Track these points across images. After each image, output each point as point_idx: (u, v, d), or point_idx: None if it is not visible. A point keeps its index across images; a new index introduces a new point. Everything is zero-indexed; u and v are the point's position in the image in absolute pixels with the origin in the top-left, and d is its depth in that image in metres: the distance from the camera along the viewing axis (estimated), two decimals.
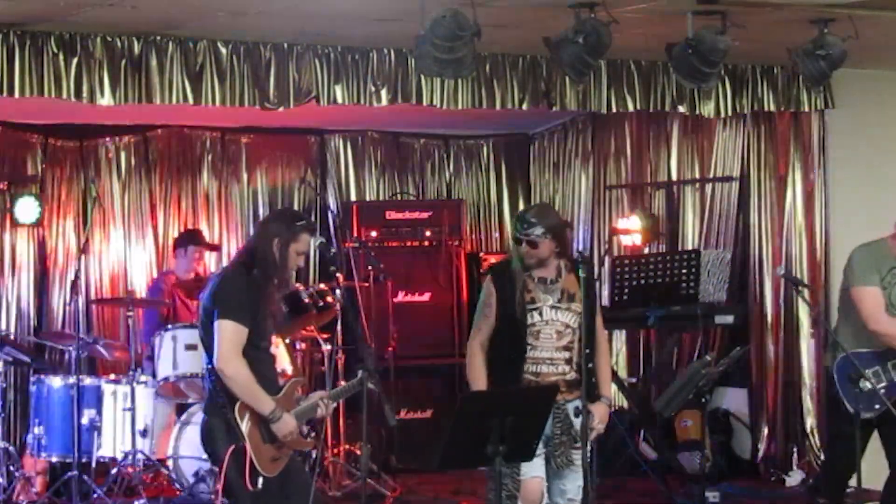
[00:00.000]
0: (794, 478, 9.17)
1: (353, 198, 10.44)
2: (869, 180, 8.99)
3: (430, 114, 8.65)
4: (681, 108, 8.69)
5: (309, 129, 10.38)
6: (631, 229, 10.00)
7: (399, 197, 10.61)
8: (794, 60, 7.41)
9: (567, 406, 5.84)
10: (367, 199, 10.47)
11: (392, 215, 10.03)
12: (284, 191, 10.31)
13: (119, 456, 8.13)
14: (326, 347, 8.78)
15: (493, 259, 9.75)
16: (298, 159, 10.41)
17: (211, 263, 9.80)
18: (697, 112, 8.72)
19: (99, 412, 8.19)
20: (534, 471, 5.72)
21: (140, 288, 9.54)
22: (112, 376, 8.50)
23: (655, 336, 9.92)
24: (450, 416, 5.08)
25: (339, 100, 7.81)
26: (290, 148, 10.40)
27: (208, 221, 10.03)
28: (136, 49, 7.32)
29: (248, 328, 5.38)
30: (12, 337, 8.88)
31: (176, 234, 9.60)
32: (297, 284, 8.39)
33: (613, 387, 9.88)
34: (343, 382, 8.88)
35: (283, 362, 7.72)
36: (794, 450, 9.26)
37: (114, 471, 8.13)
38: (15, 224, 9.25)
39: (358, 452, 8.73)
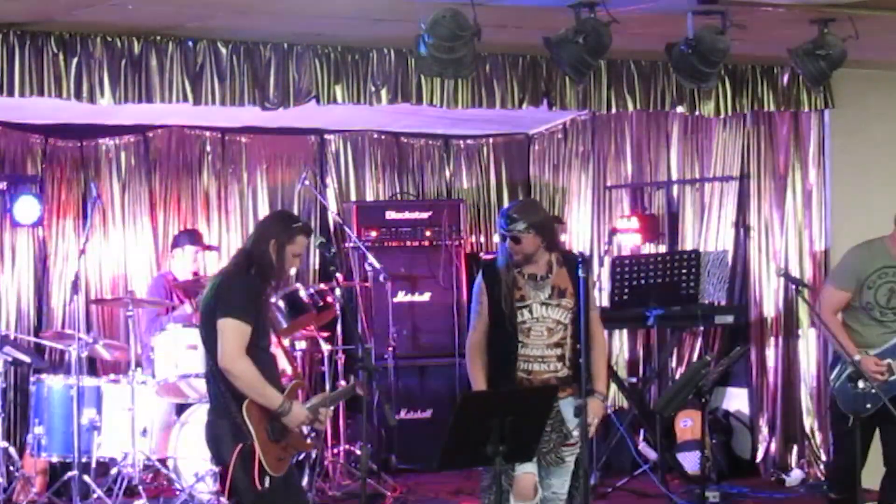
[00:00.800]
0: (794, 478, 9.17)
1: (353, 198, 10.43)
2: (869, 180, 8.99)
3: (430, 114, 8.65)
4: (681, 108, 8.69)
5: (309, 129, 10.38)
6: (631, 229, 10.01)
7: (399, 197, 10.61)
8: (794, 60, 7.41)
9: (559, 404, 5.82)
10: (367, 199, 10.46)
11: (392, 215, 10.02)
12: (284, 191, 10.31)
13: (119, 456, 8.13)
14: (326, 347, 8.79)
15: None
16: (298, 159, 10.40)
17: (211, 264, 9.80)
18: (697, 112, 8.73)
19: (99, 412, 8.19)
20: (526, 466, 5.71)
21: (140, 288, 9.53)
22: (112, 376, 8.51)
23: (655, 336, 9.92)
24: (450, 416, 5.08)
25: (339, 100, 7.81)
26: (290, 148, 10.40)
27: (208, 221, 10.03)
28: (136, 49, 7.32)
29: (251, 326, 5.40)
30: (12, 337, 8.87)
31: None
32: (297, 284, 8.40)
33: (613, 387, 9.90)
34: (343, 383, 8.91)
35: (282, 363, 7.73)
36: (794, 450, 9.26)
37: (114, 471, 8.14)
38: (15, 224, 9.25)
39: (358, 452, 8.74)
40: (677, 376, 9.41)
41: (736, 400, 9.73)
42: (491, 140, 11.10)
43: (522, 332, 5.88)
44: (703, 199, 9.85)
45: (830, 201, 9.06)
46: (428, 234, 10.00)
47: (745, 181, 9.54)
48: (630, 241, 10.07)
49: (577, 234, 10.62)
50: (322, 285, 8.58)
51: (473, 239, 10.84)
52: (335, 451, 8.91)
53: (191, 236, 9.26)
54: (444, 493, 8.85)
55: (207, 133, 10.11)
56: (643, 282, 8.98)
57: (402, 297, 9.89)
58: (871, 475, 7.07)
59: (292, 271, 6.08)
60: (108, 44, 7.25)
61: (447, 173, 11.00)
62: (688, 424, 9.25)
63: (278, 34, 7.56)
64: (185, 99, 7.45)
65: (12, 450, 8.32)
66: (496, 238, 10.93)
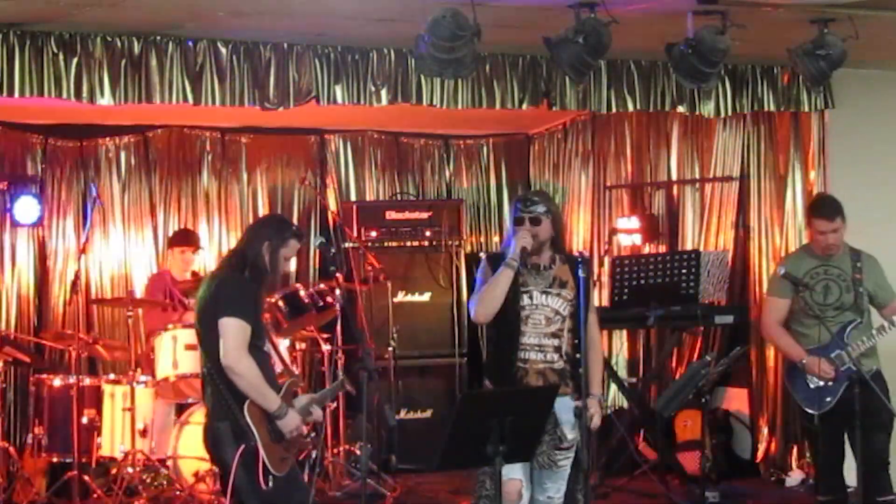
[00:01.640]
0: (794, 478, 9.17)
1: (353, 198, 10.43)
2: (869, 180, 8.99)
3: (430, 114, 8.65)
4: (681, 108, 8.69)
5: (309, 129, 10.38)
6: (631, 229, 10.01)
7: (399, 197, 10.61)
8: (794, 60, 7.42)
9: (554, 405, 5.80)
10: (367, 199, 10.46)
11: (392, 215, 10.02)
12: (284, 191, 10.31)
13: (119, 456, 8.14)
14: (326, 347, 8.79)
15: None
16: (298, 159, 10.40)
17: (211, 264, 9.81)
18: (697, 112, 8.72)
19: (99, 412, 8.20)
20: (512, 472, 5.69)
21: (140, 288, 9.53)
22: (112, 376, 8.51)
23: (655, 336, 9.92)
24: (450, 416, 5.08)
25: (339, 100, 7.81)
26: (290, 148, 10.40)
27: (208, 221, 10.03)
28: (136, 49, 7.32)
29: (251, 326, 5.41)
30: (12, 337, 8.88)
31: None
32: (297, 284, 8.40)
33: (613, 387, 9.90)
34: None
35: (278, 363, 7.73)
36: (794, 450, 9.26)
37: (114, 471, 8.14)
38: (15, 224, 9.25)
39: (358, 452, 8.73)
40: (677, 376, 9.41)
41: (736, 400, 9.73)
42: (491, 140, 11.10)
43: (521, 320, 5.88)
44: (703, 199, 9.85)
45: None
46: (428, 234, 10.00)
47: (745, 181, 9.54)
48: (630, 241, 10.07)
49: (577, 234, 10.62)
50: (322, 285, 8.58)
51: (473, 239, 10.83)
52: (335, 451, 8.91)
53: (183, 238, 9.25)
54: (444, 493, 8.84)
55: (207, 133, 10.11)
56: (643, 282, 8.98)
57: (402, 297, 9.89)
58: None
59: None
60: (108, 44, 7.25)
61: (447, 173, 11.00)
62: (688, 424, 9.25)
63: (278, 34, 7.56)
64: (185, 99, 7.45)
65: (12, 450, 8.32)
66: (496, 238, 10.97)
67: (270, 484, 5.36)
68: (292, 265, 9.64)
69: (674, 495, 8.57)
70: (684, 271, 9.03)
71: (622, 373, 10.15)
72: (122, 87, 7.28)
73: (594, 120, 10.47)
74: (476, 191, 11.05)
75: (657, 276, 9.00)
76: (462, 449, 5.09)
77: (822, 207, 7.19)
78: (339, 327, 8.93)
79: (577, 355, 5.87)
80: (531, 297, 5.91)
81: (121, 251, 9.77)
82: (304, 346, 8.87)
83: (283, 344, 8.24)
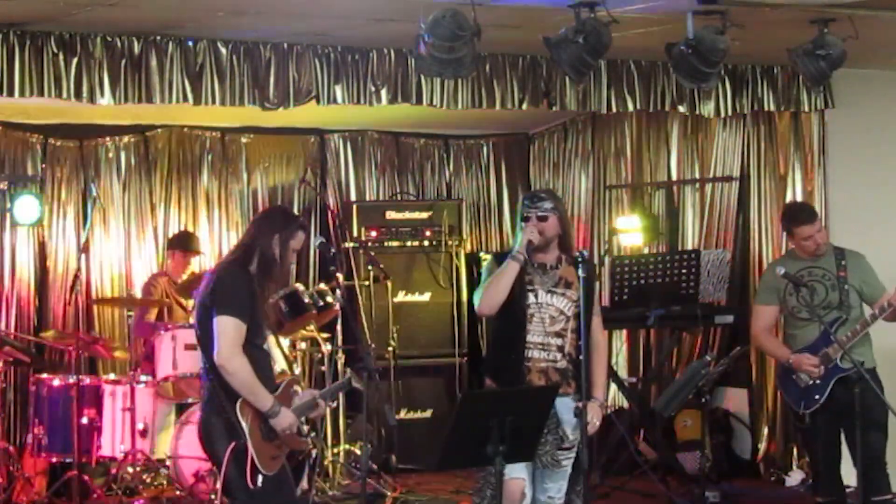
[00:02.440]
0: (794, 478, 9.17)
1: (353, 198, 10.43)
2: (869, 180, 8.99)
3: (430, 114, 8.65)
4: (681, 108, 8.69)
5: (309, 129, 10.38)
6: (631, 229, 10.01)
7: (399, 197, 10.60)
8: (794, 60, 7.42)
9: (556, 405, 5.78)
10: (367, 199, 10.46)
11: (392, 215, 10.02)
12: (284, 191, 10.31)
13: (119, 456, 8.14)
14: (326, 347, 8.79)
15: None
16: (298, 159, 10.40)
17: (211, 262, 9.81)
18: (697, 112, 8.73)
19: (99, 412, 8.19)
20: (515, 472, 5.70)
21: (138, 290, 9.53)
22: (112, 376, 8.51)
23: (655, 336, 9.92)
24: (450, 416, 5.08)
25: (339, 100, 7.81)
26: (290, 148, 10.40)
27: (208, 221, 10.03)
28: (136, 49, 7.32)
29: (246, 324, 5.40)
30: (12, 337, 8.88)
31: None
32: (297, 284, 8.40)
33: (613, 387, 9.90)
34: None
35: (279, 361, 7.73)
36: (794, 450, 9.26)
37: (114, 471, 8.13)
38: (15, 224, 9.24)
39: (358, 452, 8.74)
40: (677, 376, 9.40)
41: (736, 400, 9.73)
42: (491, 140, 11.10)
43: (526, 318, 5.88)
44: (703, 199, 9.85)
45: (830, 201, 9.06)
46: (428, 234, 10.00)
47: (745, 181, 9.54)
48: (630, 241, 10.07)
49: (578, 235, 10.62)
50: (322, 285, 8.58)
51: (473, 239, 10.83)
52: (335, 451, 8.91)
53: (181, 241, 9.23)
54: (444, 493, 8.85)
55: (207, 133, 10.11)
56: (643, 282, 8.98)
57: (402, 297, 9.89)
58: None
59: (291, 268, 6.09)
60: (108, 44, 7.25)
61: (447, 173, 11.00)
62: (688, 424, 9.25)
63: (278, 34, 7.56)
64: (185, 99, 7.45)
65: (12, 450, 8.32)
66: (496, 238, 10.97)
67: (259, 483, 5.35)
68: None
69: (674, 495, 8.57)
70: (684, 271, 9.03)
71: (622, 373, 10.15)
72: (122, 87, 7.28)
73: (594, 120, 10.47)
74: (476, 191, 11.04)
75: (657, 276, 9.00)
76: (462, 449, 5.09)
77: (801, 214, 7.26)
78: (339, 327, 8.93)
79: (580, 356, 5.87)
80: (536, 296, 5.92)
81: (121, 251, 9.76)
82: (304, 346, 8.87)
83: (284, 344, 8.24)
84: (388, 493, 8.67)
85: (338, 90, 7.79)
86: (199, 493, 7.91)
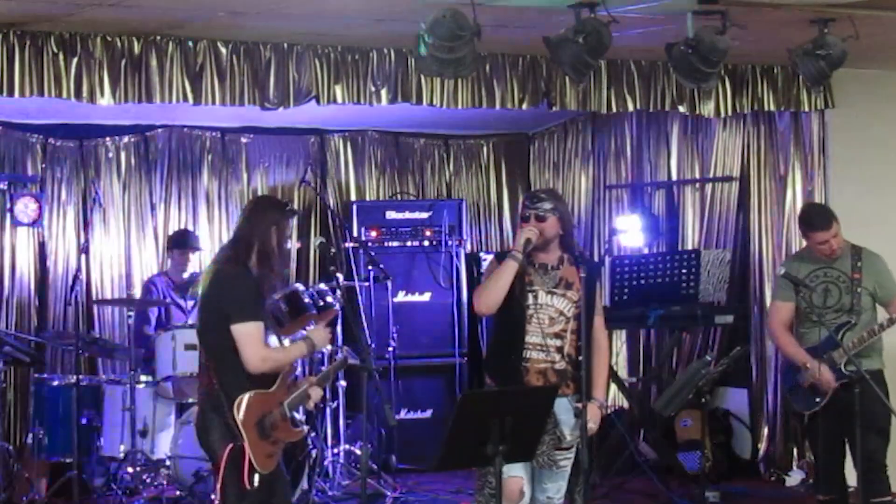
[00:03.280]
0: (794, 478, 9.17)
1: (353, 198, 10.43)
2: (869, 180, 8.99)
3: (430, 114, 8.65)
4: (681, 108, 8.69)
5: (309, 129, 10.38)
6: (631, 229, 10.01)
7: (399, 197, 10.61)
8: (794, 60, 7.41)
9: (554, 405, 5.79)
10: (367, 199, 10.46)
11: (392, 215, 10.03)
12: (284, 191, 10.31)
13: (119, 456, 8.13)
14: (327, 347, 8.78)
15: None
16: (298, 159, 10.40)
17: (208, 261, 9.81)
18: (697, 112, 8.72)
19: (99, 412, 8.19)
20: (513, 470, 5.68)
21: (139, 289, 9.54)
22: (112, 376, 8.50)
23: (655, 336, 9.92)
24: (450, 416, 5.08)
25: (339, 100, 7.81)
26: (290, 148, 10.40)
27: (208, 221, 10.03)
28: (136, 49, 7.31)
29: (262, 321, 5.46)
30: (12, 337, 8.88)
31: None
32: (297, 284, 8.39)
33: (613, 387, 9.89)
34: (343, 382, 8.92)
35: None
36: (794, 450, 9.26)
37: (114, 471, 8.13)
38: (15, 224, 9.25)
39: (358, 452, 8.74)
40: (677, 376, 9.40)
41: (736, 400, 9.73)
42: (491, 140, 11.10)
43: (525, 319, 5.87)
44: (703, 199, 9.85)
45: (830, 201, 9.05)
46: (428, 234, 10.00)
47: (745, 181, 9.54)
48: (630, 241, 10.07)
49: (578, 235, 10.62)
50: (322, 285, 8.57)
51: (473, 239, 10.83)
52: (335, 451, 8.91)
53: (182, 240, 9.23)
54: (444, 493, 8.85)
55: (207, 133, 10.11)
56: (643, 282, 8.98)
57: (402, 297, 9.89)
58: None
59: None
60: (108, 44, 7.25)
61: (447, 173, 11.00)
62: (688, 424, 9.25)
63: (278, 34, 7.56)
64: (185, 99, 7.44)
65: (12, 450, 8.32)
66: (496, 238, 10.97)
67: (256, 482, 5.35)
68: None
69: (674, 495, 8.57)
70: (684, 271, 9.03)
71: (622, 373, 10.15)
72: (122, 87, 7.27)
73: (594, 120, 10.47)
74: (476, 191, 11.05)
75: (657, 276, 9.00)
76: (462, 449, 5.08)
77: (817, 220, 7.12)
78: (339, 327, 8.93)
79: (580, 357, 5.86)
80: (536, 297, 5.90)
81: (121, 251, 9.76)
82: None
83: (284, 343, 8.23)
84: (388, 493, 8.67)
85: (338, 90, 7.78)
86: (199, 493, 7.90)
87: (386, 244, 9.94)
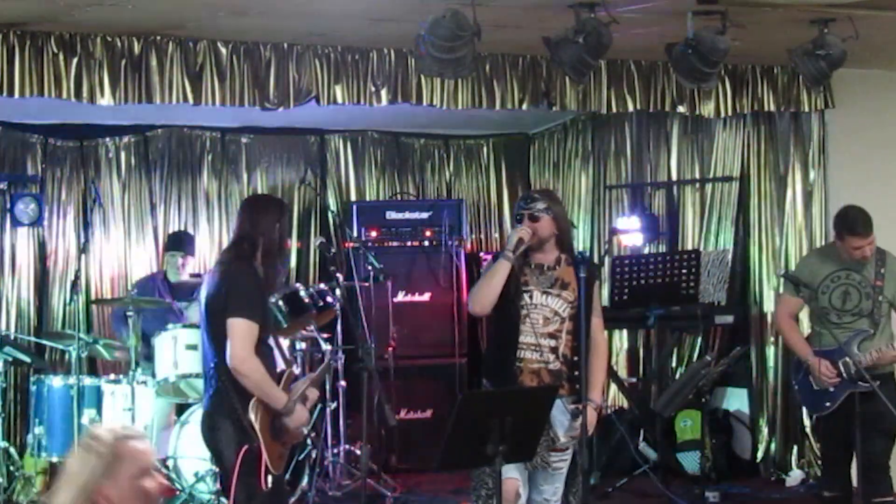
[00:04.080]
0: (794, 478, 9.17)
1: (353, 198, 10.43)
2: (869, 180, 8.99)
3: (430, 114, 8.65)
4: (681, 108, 8.69)
5: (309, 129, 10.38)
6: (631, 229, 10.01)
7: (399, 197, 10.61)
8: (794, 60, 7.41)
9: None
10: (367, 199, 10.46)
11: (392, 215, 10.02)
12: (284, 191, 10.31)
13: None
14: (326, 347, 8.78)
15: None
16: (298, 159, 10.40)
17: (211, 261, 9.80)
18: (697, 112, 8.72)
19: (99, 412, 8.19)
20: (508, 472, 5.66)
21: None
22: (112, 376, 8.50)
23: (655, 336, 9.92)
24: (450, 416, 5.08)
25: (339, 100, 7.81)
26: (290, 148, 10.40)
27: (208, 221, 10.03)
28: (136, 49, 7.32)
29: (259, 324, 5.40)
30: (12, 337, 8.88)
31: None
32: (297, 284, 8.40)
33: (613, 387, 9.90)
34: (343, 382, 8.91)
35: (279, 361, 7.72)
36: (794, 450, 9.26)
37: None
38: (15, 224, 9.25)
39: (358, 452, 8.73)
40: (677, 376, 9.41)
41: (736, 400, 9.73)
42: (491, 140, 11.10)
43: (520, 319, 5.85)
44: (703, 199, 9.85)
45: (830, 201, 9.06)
46: (428, 234, 10.00)
47: (745, 181, 9.54)
48: (630, 241, 10.07)
49: (577, 234, 10.62)
50: (322, 285, 8.57)
51: (473, 239, 10.83)
52: (335, 451, 8.91)
53: (176, 243, 9.22)
54: (444, 493, 8.84)
55: (207, 133, 10.11)
56: (643, 282, 8.98)
57: (402, 297, 9.88)
58: None
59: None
60: (108, 44, 7.25)
61: (447, 173, 11.00)
62: (688, 424, 9.25)
63: (278, 34, 7.56)
64: (185, 99, 7.44)
65: (12, 450, 8.32)
66: (496, 238, 10.97)
67: (270, 484, 5.35)
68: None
69: (674, 495, 8.57)
70: (684, 271, 9.03)
71: (622, 373, 10.15)
72: (122, 87, 7.28)
73: (594, 120, 10.47)
74: (476, 191, 11.05)
75: (657, 276, 9.00)
76: (462, 449, 5.08)
77: (857, 226, 6.91)
78: (339, 327, 8.93)
79: (576, 358, 5.85)
80: (531, 297, 5.89)
81: (121, 251, 9.76)
82: (304, 346, 8.87)
83: (284, 344, 8.23)
84: (388, 493, 8.67)
85: (338, 90, 7.79)
86: (199, 493, 7.91)
87: (386, 244, 9.94)
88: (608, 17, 6.70)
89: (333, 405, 8.86)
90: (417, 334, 9.85)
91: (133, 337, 8.30)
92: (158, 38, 7.36)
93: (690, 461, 9.09)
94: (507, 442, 5.03)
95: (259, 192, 10.15)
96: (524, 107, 8.24)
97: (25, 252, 9.45)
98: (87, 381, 8.30)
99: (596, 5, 6.68)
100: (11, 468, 8.22)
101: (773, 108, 8.92)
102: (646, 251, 9.95)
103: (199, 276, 9.13)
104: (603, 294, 9.19)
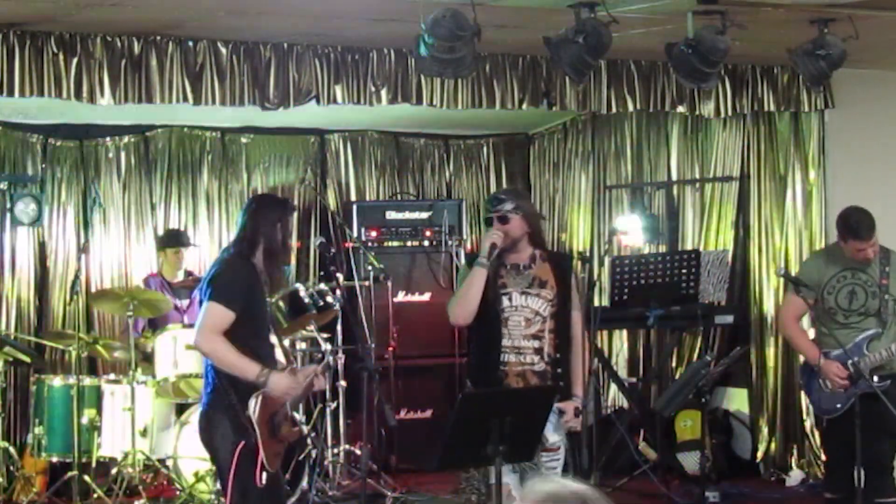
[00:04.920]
0: (794, 478, 9.17)
1: (353, 198, 10.43)
2: (869, 180, 8.99)
3: (430, 114, 8.65)
4: (681, 108, 8.69)
5: (309, 129, 10.38)
6: (631, 229, 10.01)
7: (399, 197, 10.61)
8: (794, 60, 7.42)
9: None
10: (367, 199, 10.46)
11: (392, 215, 10.03)
12: (284, 191, 10.30)
13: (119, 456, 8.13)
14: (326, 347, 8.78)
15: None
16: (298, 159, 10.40)
17: (211, 261, 9.80)
18: (697, 112, 8.73)
19: (99, 412, 8.19)
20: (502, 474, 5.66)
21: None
22: (112, 376, 8.50)
23: (655, 336, 9.92)
24: (450, 416, 5.08)
25: (339, 100, 7.81)
26: (290, 148, 10.40)
27: (208, 221, 10.03)
28: (136, 49, 7.32)
29: (235, 314, 5.38)
30: (12, 337, 8.88)
31: None
32: (297, 284, 8.40)
33: (613, 387, 9.90)
34: (343, 382, 8.92)
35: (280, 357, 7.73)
36: (794, 450, 9.26)
37: (114, 471, 8.13)
38: (15, 224, 9.25)
39: (358, 452, 8.74)
40: (677, 376, 9.41)
41: (736, 400, 9.73)
42: (491, 140, 11.10)
43: (501, 322, 5.81)
44: (703, 199, 9.85)
45: (830, 201, 9.06)
46: (428, 234, 10.00)
47: (745, 181, 9.54)
48: (630, 241, 10.07)
49: (578, 234, 10.63)
50: (322, 285, 8.57)
51: (473, 239, 10.83)
52: (335, 451, 8.91)
53: (174, 238, 9.24)
54: (444, 493, 8.84)
55: (207, 133, 10.11)
56: (643, 282, 8.98)
57: (402, 297, 9.88)
58: None
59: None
60: (108, 44, 7.25)
61: (447, 173, 11.00)
62: (688, 424, 9.25)
63: (278, 34, 7.56)
64: (185, 99, 7.45)
65: (12, 450, 8.32)
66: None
67: (264, 481, 5.35)
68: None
69: (674, 495, 8.57)
70: (684, 271, 9.03)
71: (622, 373, 10.14)
72: (122, 87, 7.28)
73: (594, 120, 10.47)
74: (476, 191, 11.04)
75: (657, 276, 9.00)
76: (462, 449, 5.09)
77: (859, 229, 6.85)
78: (339, 327, 8.93)
79: (559, 355, 5.82)
80: (510, 299, 5.84)
81: (121, 251, 9.76)
82: (304, 346, 8.87)
83: (284, 344, 8.23)
84: (388, 493, 8.67)
85: (338, 90, 7.79)
86: (199, 493, 7.91)
87: (386, 244, 9.94)
88: (608, 17, 6.70)
89: (333, 405, 8.86)
90: (417, 334, 9.85)
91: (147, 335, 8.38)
92: (158, 38, 7.37)
93: (690, 461, 9.09)
94: (506, 442, 5.03)
95: (259, 191, 10.16)
96: (524, 107, 8.24)
97: (25, 252, 9.45)
98: (87, 381, 8.30)
99: (596, 5, 6.68)
100: (11, 468, 8.22)
101: (773, 108, 8.92)
102: (646, 251, 9.95)
103: (193, 274, 9.16)
104: (603, 294, 9.20)
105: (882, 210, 8.86)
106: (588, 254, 10.28)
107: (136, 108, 7.56)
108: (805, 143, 9.22)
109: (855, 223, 6.90)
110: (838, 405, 6.89)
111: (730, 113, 8.83)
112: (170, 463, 8.15)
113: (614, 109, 8.55)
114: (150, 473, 8.29)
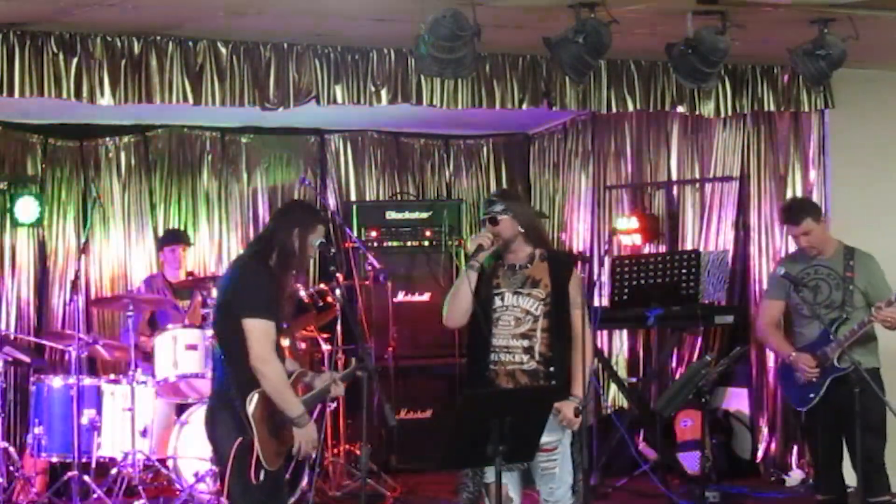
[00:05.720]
0: (794, 478, 9.17)
1: (353, 198, 10.43)
2: (869, 180, 8.99)
3: (430, 114, 8.65)
4: (681, 108, 8.69)
5: (309, 129, 10.38)
6: (631, 229, 10.01)
7: (399, 197, 10.61)
8: (794, 60, 7.42)
9: None
10: (367, 199, 10.47)
11: (392, 215, 10.03)
12: (284, 191, 10.31)
13: (119, 456, 8.13)
14: (326, 347, 8.79)
15: None
16: (298, 159, 10.40)
17: (210, 262, 9.83)
18: (697, 112, 8.72)
19: (99, 412, 8.19)
20: (493, 476, 5.66)
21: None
22: (112, 376, 8.50)
23: (655, 336, 9.92)
24: (450, 416, 5.08)
25: (339, 100, 7.81)
26: (290, 148, 10.40)
27: (208, 221, 10.03)
28: (136, 49, 7.32)
29: (275, 322, 5.42)
30: (12, 337, 8.88)
31: None
32: (297, 284, 8.40)
33: (613, 387, 9.90)
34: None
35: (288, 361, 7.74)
36: (794, 450, 9.26)
37: (114, 471, 8.13)
38: (15, 224, 9.26)
39: (358, 452, 8.74)
40: (677, 376, 9.41)
41: (736, 400, 9.73)
42: (491, 140, 11.10)
43: (492, 322, 5.80)
44: (703, 199, 9.86)
45: (830, 201, 9.06)
46: (428, 234, 10.00)
47: (745, 181, 9.54)
48: (630, 241, 10.07)
49: (578, 234, 10.63)
50: (322, 285, 8.58)
51: None
52: (335, 451, 8.91)
53: (174, 237, 9.25)
54: (444, 493, 8.83)
55: (207, 133, 10.11)
56: (643, 282, 8.98)
57: (402, 297, 9.88)
58: None
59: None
60: (108, 44, 7.25)
61: (447, 173, 11.00)
62: (688, 424, 9.25)
63: (278, 34, 7.56)
64: (185, 99, 7.45)
65: (12, 450, 8.32)
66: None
67: (261, 478, 5.36)
68: None
69: (674, 495, 8.57)
70: (684, 271, 9.03)
71: (622, 373, 10.15)
72: (122, 87, 7.28)
73: (594, 120, 10.48)
74: (476, 191, 11.05)
75: (657, 276, 9.00)
76: (462, 449, 5.09)
77: (784, 213, 7.35)
78: (339, 327, 8.93)
79: (552, 354, 5.80)
80: (503, 299, 5.83)
81: (121, 251, 9.77)
82: (304, 346, 8.87)
83: (284, 344, 8.23)
84: (388, 494, 8.67)
85: (338, 90, 7.79)
86: (199, 493, 7.91)
87: (386, 244, 9.94)
88: (608, 17, 6.71)
89: (333, 405, 8.86)
90: (417, 334, 9.85)
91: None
92: (158, 38, 7.37)
93: (690, 461, 9.09)
94: (507, 442, 5.03)
95: (259, 192, 10.18)
96: (524, 107, 8.23)
97: (25, 252, 9.46)
98: (87, 381, 8.30)
99: (596, 5, 6.68)
100: (11, 468, 8.22)
101: (773, 108, 8.92)
102: (646, 251, 9.95)
103: (193, 274, 9.16)
104: (603, 294, 9.19)
105: (882, 210, 8.91)
106: (588, 254, 10.29)
107: (136, 108, 7.56)
108: (805, 143, 9.22)
109: (784, 208, 7.40)
110: (811, 395, 7.04)
111: (730, 113, 8.83)
112: (170, 463, 8.15)
113: (614, 109, 8.54)
114: (150, 473, 8.29)
